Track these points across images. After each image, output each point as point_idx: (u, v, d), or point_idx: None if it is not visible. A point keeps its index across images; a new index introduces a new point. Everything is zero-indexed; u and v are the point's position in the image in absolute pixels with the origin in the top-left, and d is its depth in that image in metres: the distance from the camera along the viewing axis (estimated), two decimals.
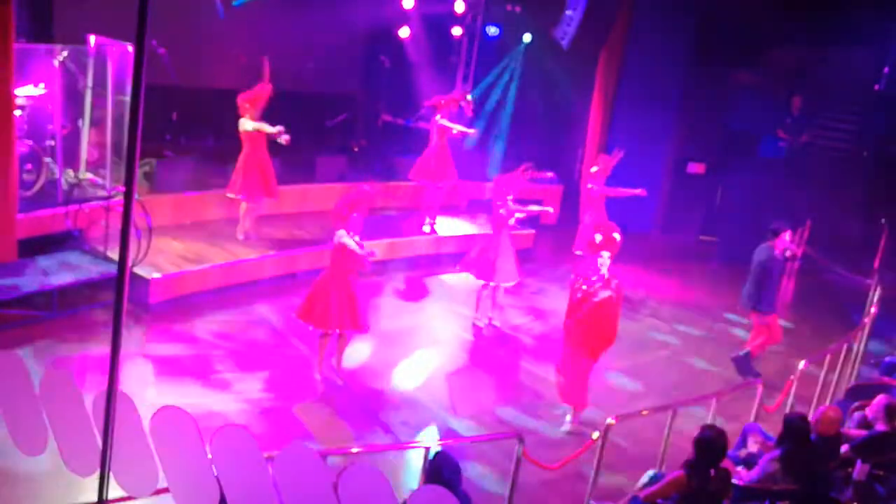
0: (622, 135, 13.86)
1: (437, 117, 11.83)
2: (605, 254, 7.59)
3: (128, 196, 2.43)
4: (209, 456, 2.70)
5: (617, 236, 7.71)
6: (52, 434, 2.82)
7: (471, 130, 12.36)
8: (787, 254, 9.21)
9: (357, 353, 8.54)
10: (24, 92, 9.25)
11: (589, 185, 11.30)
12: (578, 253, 11.18)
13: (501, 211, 9.53)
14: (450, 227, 12.58)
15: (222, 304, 9.52)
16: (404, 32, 14.13)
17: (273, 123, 10.17)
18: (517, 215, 9.66)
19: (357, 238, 7.83)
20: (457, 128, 11.91)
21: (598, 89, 14.39)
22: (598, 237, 7.67)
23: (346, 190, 8.45)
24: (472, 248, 10.19)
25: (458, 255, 11.97)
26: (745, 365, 9.31)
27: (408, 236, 11.99)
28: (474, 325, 9.94)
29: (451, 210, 13.08)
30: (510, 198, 9.55)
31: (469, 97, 12.48)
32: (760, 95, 14.16)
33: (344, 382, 8.14)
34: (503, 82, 15.07)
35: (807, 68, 13.64)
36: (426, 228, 12.23)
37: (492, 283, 9.82)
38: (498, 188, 9.72)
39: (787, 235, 9.20)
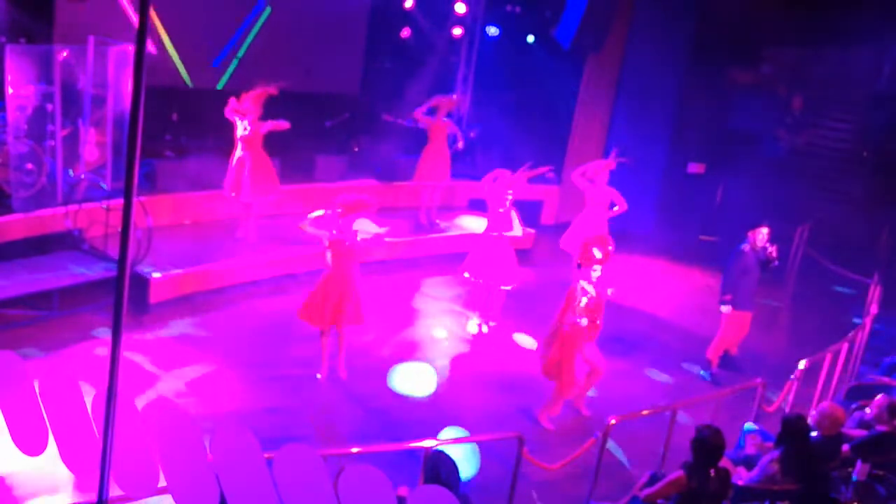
0: (622, 135, 13.86)
1: (422, 120, 11.92)
2: (598, 267, 7.53)
3: (128, 196, 2.43)
4: (209, 456, 2.70)
5: (610, 248, 7.61)
6: (52, 434, 2.82)
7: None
8: (769, 253, 9.08)
9: (357, 352, 8.54)
10: (25, 92, 9.26)
11: (589, 181, 11.24)
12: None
13: (500, 210, 9.52)
14: (449, 227, 12.59)
15: (222, 304, 9.52)
16: (404, 32, 14.13)
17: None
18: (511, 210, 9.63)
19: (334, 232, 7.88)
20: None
21: (598, 89, 14.39)
22: (598, 252, 7.50)
23: (350, 190, 8.46)
24: (472, 252, 10.06)
25: (457, 256, 11.99)
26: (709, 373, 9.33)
27: (408, 236, 12.00)
28: (477, 326, 9.93)
29: (451, 210, 13.09)
30: (509, 195, 9.53)
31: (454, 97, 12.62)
32: (760, 95, 14.16)
33: (347, 379, 8.15)
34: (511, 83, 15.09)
35: (807, 68, 13.65)
36: (425, 223, 12.31)
37: (499, 286, 9.82)
38: (496, 187, 9.68)
39: (763, 231, 9.01)
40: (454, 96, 12.83)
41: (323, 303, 7.91)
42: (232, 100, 10.11)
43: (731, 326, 9.23)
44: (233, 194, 10.45)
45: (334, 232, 7.87)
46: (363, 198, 8.13)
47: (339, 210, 7.83)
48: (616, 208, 10.83)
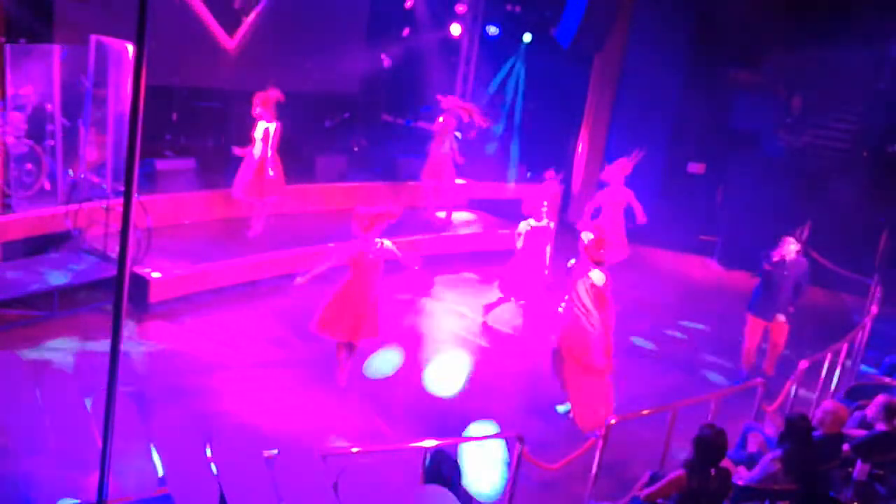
0: (622, 134, 13.85)
1: (439, 119, 11.94)
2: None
3: (127, 196, 2.43)
4: (209, 456, 2.71)
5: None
6: (52, 434, 2.82)
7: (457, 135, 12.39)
8: (774, 259, 9.03)
9: (358, 352, 8.53)
10: (25, 92, 9.26)
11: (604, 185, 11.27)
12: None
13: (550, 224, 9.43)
14: (449, 227, 12.59)
15: (222, 304, 9.52)
16: (404, 32, 14.14)
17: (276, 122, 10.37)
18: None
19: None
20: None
21: (598, 89, 14.39)
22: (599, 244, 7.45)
23: (375, 201, 8.23)
24: (509, 270, 9.72)
25: (460, 256, 12.00)
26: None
27: (407, 236, 11.97)
28: (485, 327, 9.88)
29: (451, 210, 13.08)
30: (545, 207, 9.40)
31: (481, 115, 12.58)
32: (760, 95, 14.14)
33: (345, 386, 8.15)
34: (511, 83, 15.10)
35: (807, 68, 13.63)
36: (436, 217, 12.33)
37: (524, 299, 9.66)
38: (531, 201, 9.46)
39: (790, 242, 8.91)
40: (466, 103, 12.72)
41: (342, 316, 7.75)
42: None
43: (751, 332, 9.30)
44: (252, 197, 10.55)
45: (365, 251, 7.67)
46: (386, 209, 7.85)
47: (369, 223, 7.66)
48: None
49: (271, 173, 10.54)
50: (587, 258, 7.53)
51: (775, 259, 8.97)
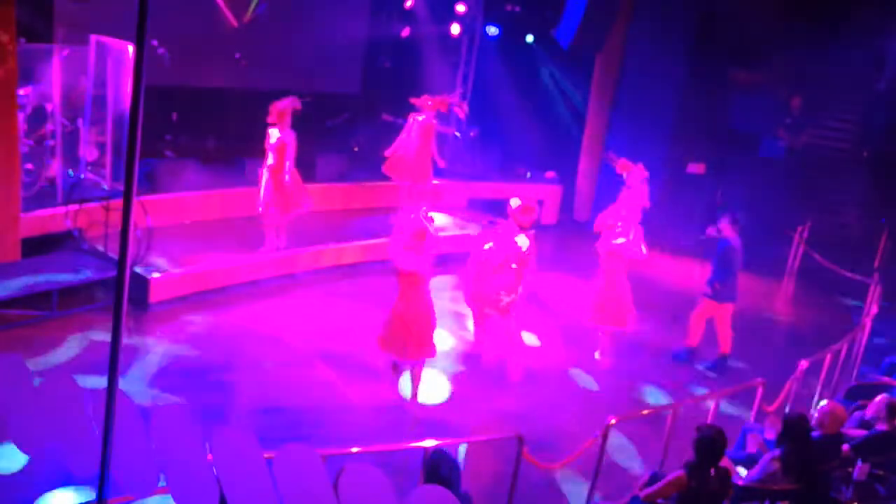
0: (622, 134, 13.86)
1: (420, 118, 11.78)
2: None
3: (127, 196, 2.43)
4: (209, 456, 2.70)
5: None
6: (53, 434, 2.82)
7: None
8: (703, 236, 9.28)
9: (357, 353, 8.53)
10: (25, 92, 9.27)
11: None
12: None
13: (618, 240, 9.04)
14: (448, 227, 12.58)
15: (223, 303, 9.53)
16: (404, 32, 14.14)
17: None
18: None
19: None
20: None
21: (598, 88, 14.40)
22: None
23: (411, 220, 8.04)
24: (593, 298, 9.24)
25: (454, 256, 11.97)
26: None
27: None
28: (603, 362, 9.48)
29: (451, 210, 13.09)
30: (619, 226, 9.07)
31: (463, 101, 12.48)
32: (760, 95, 14.15)
33: (350, 382, 8.14)
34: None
35: (807, 68, 13.63)
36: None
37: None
38: (603, 221, 9.20)
39: (723, 220, 9.42)
40: (448, 97, 12.59)
41: (418, 335, 7.64)
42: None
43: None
44: (259, 209, 10.23)
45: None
46: (420, 229, 7.67)
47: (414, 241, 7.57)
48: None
49: (289, 185, 10.09)
50: (514, 224, 8.03)
51: (702, 237, 9.23)
